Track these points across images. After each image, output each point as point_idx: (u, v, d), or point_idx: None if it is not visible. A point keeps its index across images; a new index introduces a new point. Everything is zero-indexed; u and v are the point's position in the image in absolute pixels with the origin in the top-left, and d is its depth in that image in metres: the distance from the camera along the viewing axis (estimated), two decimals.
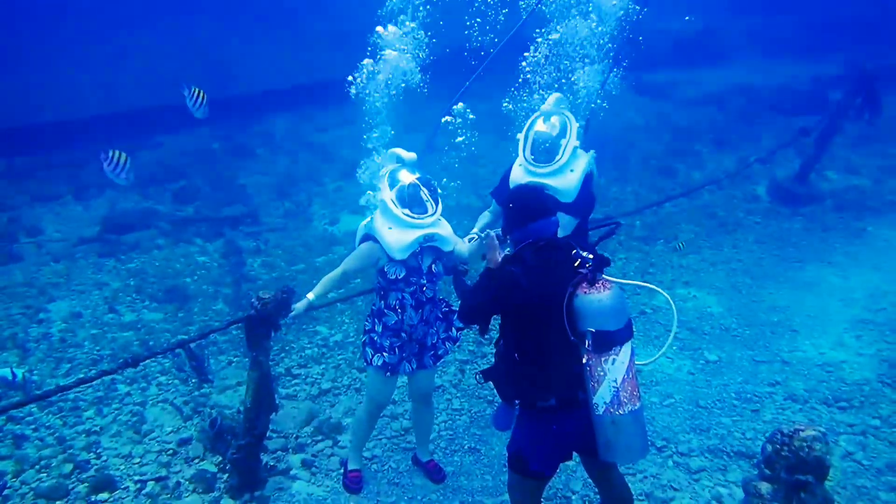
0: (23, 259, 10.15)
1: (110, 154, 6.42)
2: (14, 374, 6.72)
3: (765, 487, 4.12)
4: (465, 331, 5.01)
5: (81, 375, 6.90)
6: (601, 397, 3.55)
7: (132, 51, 17.99)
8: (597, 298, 3.52)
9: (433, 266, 4.87)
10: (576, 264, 3.62)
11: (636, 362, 3.69)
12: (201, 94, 6.22)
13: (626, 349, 3.55)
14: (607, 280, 3.61)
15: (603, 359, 3.52)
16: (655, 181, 12.42)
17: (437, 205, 4.85)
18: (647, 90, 19.11)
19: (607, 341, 3.51)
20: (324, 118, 16.58)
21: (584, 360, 3.56)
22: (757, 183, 11.87)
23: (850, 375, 6.52)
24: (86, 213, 12.16)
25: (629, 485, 5.06)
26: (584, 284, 3.57)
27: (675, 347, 7.23)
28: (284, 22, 18.40)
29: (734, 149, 13.82)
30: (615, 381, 3.52)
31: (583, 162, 5.30)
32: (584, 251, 3.67)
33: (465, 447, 5.90)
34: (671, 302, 3.96)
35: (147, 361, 7.13)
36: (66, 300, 8.73)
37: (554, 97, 5.43)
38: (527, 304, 3.69)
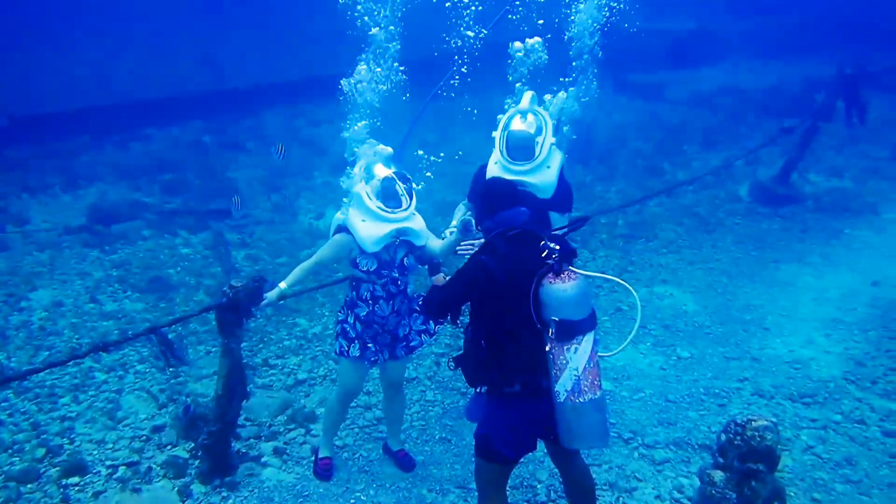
0: (8, 248, 10.20)
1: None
2: None
3: (718, 476, 4.21)
4: (444, 325, 5.09)
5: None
6: (563, 385, 3.63)
7: (126, 43, 18.04)
8: (561, 288, 3.61)
9: (405, 259, 4.96)
10: (543, 255, 3.71)
11: (601, 354, 3.81)
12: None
13: (588, 339, 3.64)
14: (573, 271, 3.70)
15: (565, 347, 3.61)
16: (642, 180, 12.52)
17: (411, 199, 4.95)
18: (640, 90, 19.22)
19: (570, 330, 3.60)
20: (317, 113, 16.64)
21: (547, 349, 3.66)
22: (740, 183, 11.97)
23: (816, 373, 6.62)
24: (74, 204, 12.21)
25: (595, 474, 5.22)
26: (550, 275, 3.67)
27: (648, 344, 7.34)
28: (278, 16, 18.46)
29: (722, 149, 13.92)
30: (577, 369, 3.60)
31: (558, 158, 5.40)
32: (552, 242, 3.76)
33: (437, 437, 5.99)
34: (634, 294, 4.07)
35: (126, 350, 7.25)
36: (49, 289, 8.79)
37: (528, 95, 5.52)
38: (495, 292, 3.78)
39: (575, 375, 3.61)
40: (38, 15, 17.11)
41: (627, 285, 4.09)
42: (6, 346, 7.41)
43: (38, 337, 7.61)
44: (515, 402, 3.88)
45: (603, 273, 4.37)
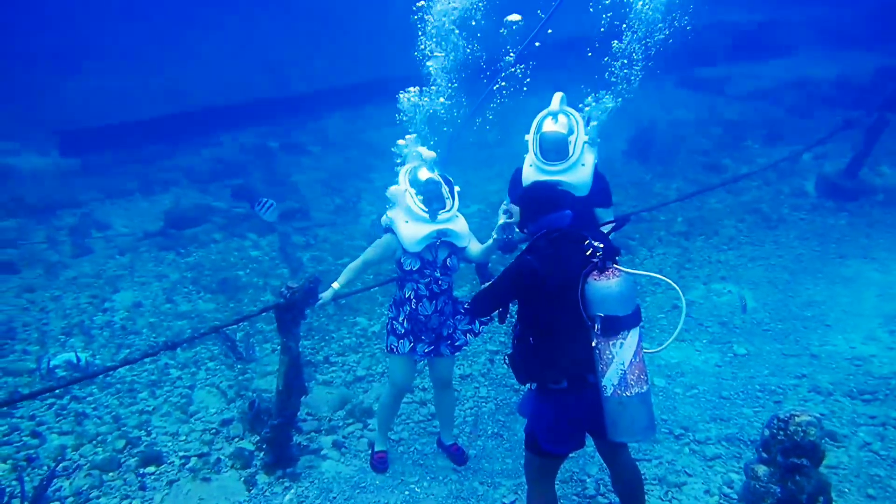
0: (93, 252, 10.83)
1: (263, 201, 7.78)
2: (78, 358, 7.29)
3: (762, 470, 4.26)
4: (494, 323, 5.28)
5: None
6: (609, 379, 3.78)
7: (197, 53, 18.81)
8: (606, 285, 3.76)
9: (448, 260, 5.15)
10: (587, 253, 3.85)
11: (646, 350, 3.96)
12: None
13: (633, 334, 3.78)
14: (617, 268, 3.84)
15: (611, 342, 3.76)
16: (700, 176, 12.39)
17: (454, 202, 5.13)
18: (701, 85, 18.94)
19: (615, 326, 3.75)
20: (378, 116, 16.96)
21: (593, 344, 3.80)
22: (806, 179, 11.72)
23: (878, 369, 6.50)
24: (151, 209, 12.82)
25: (645, 469, 5.34)
26: (594, 272, 3.81)
27: (704, 341, 7.33)
28: (341, 20, 18.92)
29: (786, 144, 13.61)
30: (623, 363, 3.75)
31: (591, 156, 5.49)
32: (596, 241, 3.90)
33: (489, 432, 6.15)
34: (678, 290, 4.15)
35: (198, 348, 7.65)
36: (130, 291, 9.31)
37: (558, 96, 5.62)
38: (541, 289, 3.93)
39: (621, 370, 3.76)
40: (116, 31, 18.02)
41: (670, 281, 4.18)
42: (91, 344, 7.90)
43: (119, 336, 8.08)
44: (562, 399, 4.01)
45: (648, 271, 4.43)
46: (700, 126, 15.60)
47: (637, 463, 5.41)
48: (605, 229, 5.26)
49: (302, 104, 18.26)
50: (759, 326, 7.51)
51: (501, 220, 5.16)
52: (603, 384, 3.81)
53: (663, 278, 4.23)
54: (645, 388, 3.82)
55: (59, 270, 9.94)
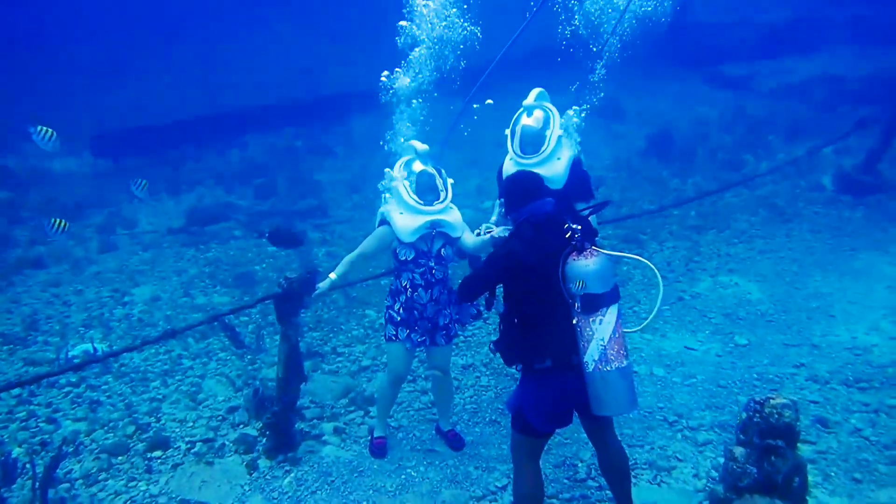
0: (117, 248, 11.19)
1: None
2: (95, 349, 7.55)
3: (739, 452, 4.31)
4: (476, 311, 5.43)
5: (153, 351, 7.68)
6: (591, 355, 3.93)
7: (226, 57, 19.18)
8: (584, 264, 3.93)
9: (442, 250, 5.28)
10: (566, 236, 4.01)
11: (626, 329, 4.09)
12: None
13: (612, 311, 3.94)
14: (595, 249, 4.01)
15: (591, 319, 3.92)
16: (719, 173, 12.37)
17: (447, 193, 5.27)
18: (729, 82, 18.83)
19: (594, 303, 3.91)
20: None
21: (574, 322, 3.95)
22: (825, 173, 11.63)
23: (878, 359, 6.50)
24: (176, 208, 13.19)
25: (636, 454, 5.47)
26: (573, 253, 3.97)
27: (707, 332, 7.38)
28: (366, 24, 19.15)
29: (808, 140, 13.46)
30: (603, 339, 3.91)
31: (568, 149, 5.58)
32: (574, 224, 4.06)
33: (487, 419, 6.27)
34: (656, 272, 4.24)
35: (211, 339, 7.89)
36: (149, 285, 9.60)
37: (535, 92, 5.71)
38: (524, 272, 4.11)
39: (601, 346, 3.91)
40: (147, 37, 18.48)
41: (649, 263, 4.29)
42: (109, 335, 8.18)
43: (136, 328, 8.36)
44: (547, 378, 4.15)
45: (626, 253, 4.52)
46: (723, 123, 15.57)
47: (629, 448, 5.55)
48: (586, 213, 5.35)
49: (329, 107, 18.51)
50: (763, 318, 7.53)
51: (494, 215, 5.36)
52: (585, 360, 3.95)
53: (642, 259, 4.32)
54: (625, 363, 3.96)
55: (84, 266, 10.29)
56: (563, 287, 3.96)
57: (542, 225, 4.16)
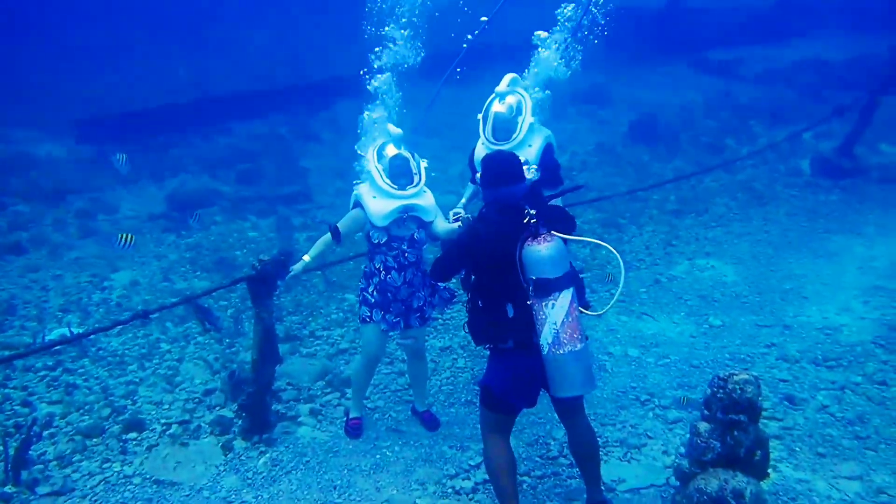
0: (98, 234, 11.13)
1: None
2: (71, 333, 7.54)
3: (703, 427, 4.38)
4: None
5: (130, 335, 7.68)
6: (545, 338, 4.00)
7: (213, 42, 19.11)
8: (536, 250, 3.98)
9: (415, 233, 5.31)
10: (525, 221, 4.04)
11: (588, 313, 4.19)
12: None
13: (564, 296, 3.98)
14: (549, 235, 4.04)
15: (544, 303, 3.97)
16: (701, 158, 12.43)
17: (420, 177, 5.29)
18: (716, 68, 18.91)
19: (545, 287, 3.96)
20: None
21: (528, 304, 4.01)
22: (804, 157, 11.72)
23: (846, 338, 6.62)
24: (158, 194, 13.10)
25: (608, 433, 5.57)
26: (529, 238, 4.00)
27: (682, 314, 7.46)
28: (351, 9, 19.10)
29: (790, 125, 13.55)
30: (555, 323, 3.96)
31: (540, 136, 5.62)
32: (532, 209, 4.09)
33: (463, 400, 6.33)
34: (617, 256, 4.20)
35: (189, 324, 7.89)
36: (129, 270, 9.57)
37: (508, 78, 5.75)
38: (486, 256, 4.19)
39: (554, 329, 3.96)
40: (132, 23, 18.37)
41: (609, 247, 4.27)
42: (87, 320, 8.17)
43: (114, 312, 8.34)
44: (512, 357, 4.24)
45: (586, 237, 4.54)
46: (709, 108, 15.65)
47: (602, 427, 5.64)
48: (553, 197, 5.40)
49: (316, 93, 18.45)
50: (738, 299, 7.62)
51: (465, 198, 5.40)
52: (540, 343, 4.02)
53: (603, 244, 4.30)
54: (579, 346, 4.00)
55: (63, 251, 10.25)
56: (520, 271, 4.02)
57: (506, 210, 4.22)
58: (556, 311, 3.96)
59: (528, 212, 4.08)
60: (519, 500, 4.34)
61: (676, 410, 5.83)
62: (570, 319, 3.97)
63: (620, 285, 4.23)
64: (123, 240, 5.60)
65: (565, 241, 4.10)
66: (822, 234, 8.98)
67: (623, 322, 7.35)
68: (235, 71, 18.96)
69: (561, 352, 3.97)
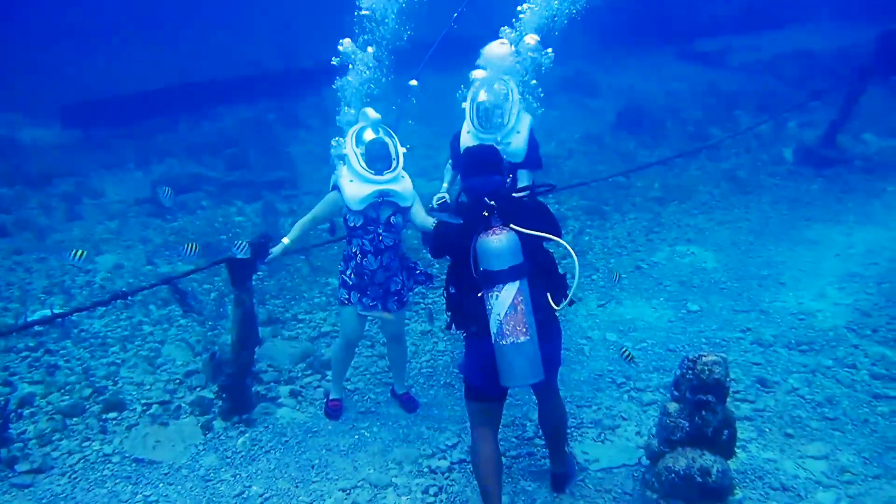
0: (83, 218, 11.15)
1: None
2: (54, 314, 7.55)
3: (673, 407, 4.47)
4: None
5: (113, 317, 7.72)
6: (491, 328, 4.07)
7: (200, 26, 19.02)
8: (485, 242, 4.06)
9: (392, 218, 5.34)
10: (483, 213, 4.14)
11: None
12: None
13: (508, 288, 4.01)
14: (501, 228, 4.09)
15: (490, 294, 4.04)
16: (685, 146, 12.49)
17: (398, 162, 5.32)
18: (703, 58, 18.97)
19: (490, 279, 4.04)
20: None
21: (479, 295, 4.11)
22: (788, 146, 11.81)
23: (820, 323, 6.71)
24: (144, 179, 13.11)
25: (583, 414, 5.68)
26: (483, 230, 4.10)
27: (661, 299, 7.54)
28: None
29: (775, 114, 13.64)
30: (499, 315, 4.02)
31: (527, 122, 5.65)
32: (490, 201, 4.17)
33: (442, 382, 6.41)
34: (570, 250, 4.13)
35: (172, 307, 7.91)
36: (113, 253, 9.59)
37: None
38: (453, 245, 4.31)
39: (497, 320, 4.03)
40: (118, 6, 18.27)
41: (563, 242, 4.24)
42: (70, 302, 8.19)
43: (98, 295, 8.36)
44: (477, 343, 4.29)
45: (541, 232, 4.42)
46: (695, 98, 15.74)
47: (578, 409, 5.72)
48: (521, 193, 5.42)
49: (304, 78, 18.43)
50: (717, 285, 7.70)
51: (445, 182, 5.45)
52: (491, 332, 4.08)
53: (558, 240, 4.27)
54: (522, 339, 4.00)
55: (48, 234, 10.26)
56: (474, 262, 4.10)
57: (473, 202, 4.32)
58: (498, 303, 4.00)
59: (489, 203, 4.15)
60: (502, 500, 4.34)
61: (651, 393, 5.91)
62: (513, 312, 4.00)
63: (576, 280, 4.14)
64: (189, 249, 5.67)
65: (525, 235, 4.09)
66: (802, 222, 9.07)
67: (602, 307, 7.43)
68: (223, 56, 18.89)
69: (504, 342, 4.02)
